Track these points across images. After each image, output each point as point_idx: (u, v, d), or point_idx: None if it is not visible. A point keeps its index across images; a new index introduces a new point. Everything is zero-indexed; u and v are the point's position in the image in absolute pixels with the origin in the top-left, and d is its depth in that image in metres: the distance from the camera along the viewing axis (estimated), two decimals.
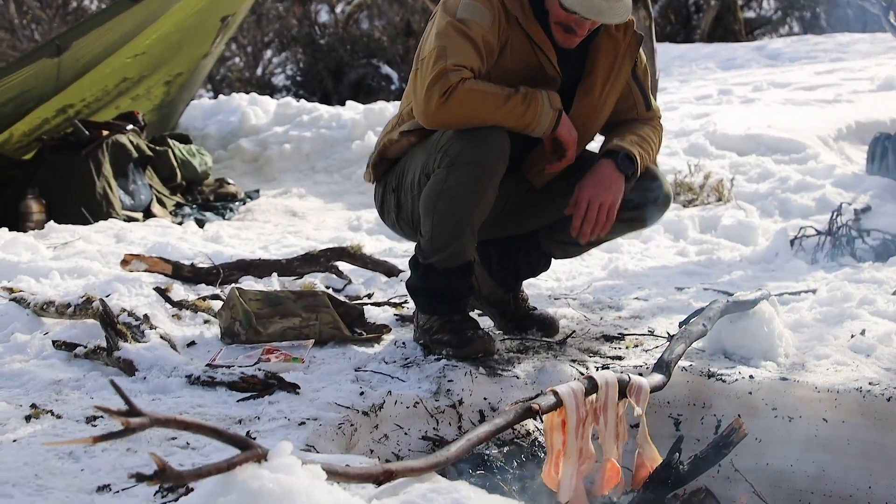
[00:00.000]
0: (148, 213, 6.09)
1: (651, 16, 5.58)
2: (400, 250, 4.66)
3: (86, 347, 2.75)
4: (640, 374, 2.23)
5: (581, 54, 2.77)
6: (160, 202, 6.33)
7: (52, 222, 5.15)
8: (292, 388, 2.48)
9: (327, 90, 15.30)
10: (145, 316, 2.95)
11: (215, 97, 9.75)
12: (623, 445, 2.11)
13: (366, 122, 7.85)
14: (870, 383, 2.57)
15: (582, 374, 2.62)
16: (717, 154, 6.87)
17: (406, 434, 2.43)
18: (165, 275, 3.73)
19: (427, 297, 2.82)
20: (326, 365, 2.74)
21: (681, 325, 2.82)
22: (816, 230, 4.64)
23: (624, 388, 2.09)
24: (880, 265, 4.16)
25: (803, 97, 8.94)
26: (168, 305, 3.27)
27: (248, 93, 9.73)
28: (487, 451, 2.32)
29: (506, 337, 3.02)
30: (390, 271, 4.03)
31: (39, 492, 1.87)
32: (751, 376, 2.63)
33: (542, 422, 2.02)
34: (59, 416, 2.30)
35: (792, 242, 4.52)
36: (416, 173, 2.74)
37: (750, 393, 2.60)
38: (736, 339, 2.81)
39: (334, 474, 1.48)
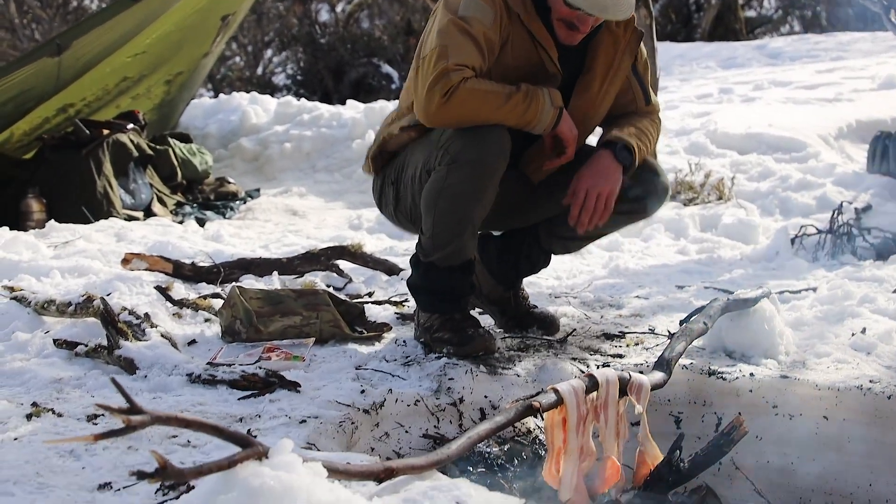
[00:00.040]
0: (148, 212, 6.09)
1: (652, 15, 5.57)
2: (401, 249, 4.66)
3: (87, 346, 2.75)
4: (641, 372, 2.23)
5: (581, 51, 2.77)
6: (161, 201, 6.33)
7: (52, 221, 5.15)
8: (293, 386, 2.48)
9: (328, 89, 15.30)
10: (146, 314, 2.95)
11: (216, 96, 9.75)
12: (624, 443, 2.11)
13: (366, 121, 7.85)
14: (870, 381, 2.57)
15: (583, 372, 2.62)
16: (717, 153, 6.86)
17: (407, 432, 2.43)
18: (166, 273, 3.74)
19: (428, 295, 2.82)
20: (327, 363, 2.74)
21: (681, 323, 2.81)
22: (817, 229, 4.64)
23: (625, 386, 2.09)
24: (881, 263, 4.16)
25: (804, 96, 8.94)
26: (169, 304, 3.27)
27: (248, 92, 9.73)
28: (488, 449, 2.32)
29: (506, 335, 3.02)
30: (391, 270, 4.03)
31: (41, 490, 1.87)
32: (751, 374, 2.63)
33: (542, 420, 2.02)
34: (60, 415, 2.30)
35: (793, 241, 4.52)
36: (416, 169, 2.74)
37: (751, 391, 2.60)
38: (737, 337, 2.81)
39: (335, 472, 1.48)
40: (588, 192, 2.70)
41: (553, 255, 3.12)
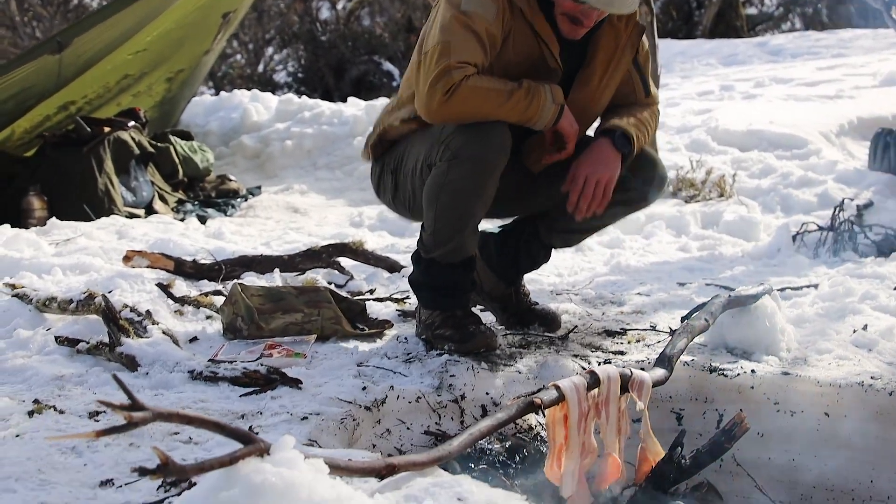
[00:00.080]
0: (150, 210, 6.09)
1: (653, 11, 5.56)
2: (402, 246, 4.66)
3: (88, 343, 2.75)
4: (643, 369, 2.23)
5: (582, 45, 2.77)
6: (162, 199, 6.33)
7: (53, 219, 5.16)
8: (295, 383, 2.48)
9: (329, 87, 15.28)
10: (147, 312, 2.95)
11: (217, 94, 9.73)
12: (625, 440, 2.11)
13: (367, 118, 7.85)
14: (871, 378, 2.56)
15: (584, 368, 2.62)
16: (718, 150, 6.86)
17: (408, 429, 2.43)
18: (167, 271, 3.74)
19: (429, 291, 2.82)
20: (328, 360, 2.75)
21: (683, 319, 2.82)
22: (818, 225, 4.64)
23: (626, 383, 2.09)
24: (882, 260, 4.15)
25: (805, 93, 8.93)
26: (170, 301, 3.27)
27: (249, 89, 9.72)
28: (490, 446, 2.32)
29: (508, 332, 3.02)
30: (392, 267, 4.03)
31: (42, 486, 1.87)
32: (753, 371, 2.63)
33: (544, 416, 2.02)
34: (61, 412, 2.30)
35: (794, 238, 4.52)
36: (417, 161, 2.74)
37: (752, 387, 2.60)
38: (738, 333, 2.81)
39: (337, 468, 1.48)
40: (587, 179, 2.70)
41: (553, 250, 3.12)
